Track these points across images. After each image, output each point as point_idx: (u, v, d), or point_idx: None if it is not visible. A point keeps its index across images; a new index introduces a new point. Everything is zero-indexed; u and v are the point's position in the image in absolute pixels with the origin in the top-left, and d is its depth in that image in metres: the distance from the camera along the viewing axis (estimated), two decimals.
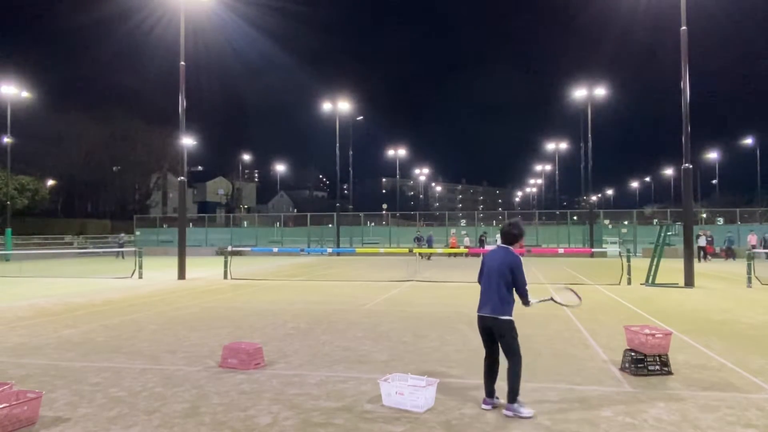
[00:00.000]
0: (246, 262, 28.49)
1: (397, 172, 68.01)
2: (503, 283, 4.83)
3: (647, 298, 13.08)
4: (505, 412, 4.75)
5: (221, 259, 20.10)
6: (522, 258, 5.05)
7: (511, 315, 4.83)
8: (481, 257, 5.21)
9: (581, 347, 7.48)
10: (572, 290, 5.52)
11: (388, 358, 6.87)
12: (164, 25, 22.80)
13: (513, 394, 4.71)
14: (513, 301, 4.89)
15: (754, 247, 31.67)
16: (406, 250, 27.82)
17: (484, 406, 4.91)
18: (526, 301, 4.95)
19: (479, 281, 5.10)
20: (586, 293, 13.86)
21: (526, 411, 4.68)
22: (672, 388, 5.52)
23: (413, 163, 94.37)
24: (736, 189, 75.17)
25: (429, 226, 48.46)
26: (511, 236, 5.03)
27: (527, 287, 4.91)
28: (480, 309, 4.96)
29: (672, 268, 19.11)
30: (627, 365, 6.09)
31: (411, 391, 4.87)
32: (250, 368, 6.26)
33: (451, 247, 32.22)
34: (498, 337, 4.87)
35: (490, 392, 4.96)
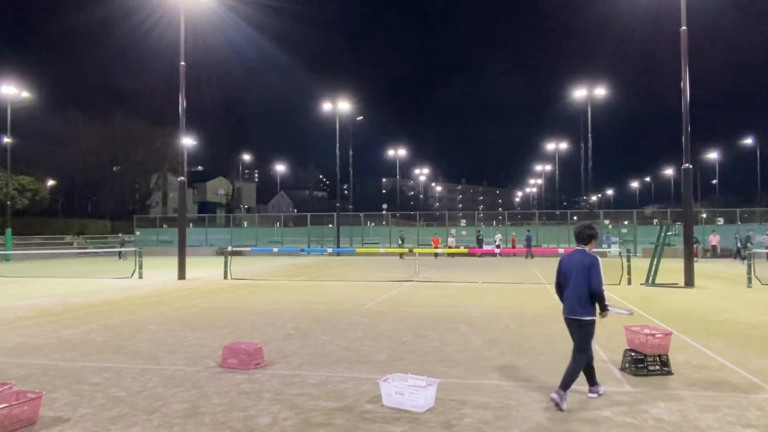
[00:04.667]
0: (246, 262, 28.49)
1: (397, 172, 68.02)
2: (582, 284, 4.96)
3: (647, 298, 13.08)
4: (553, 395, 4.91)
5: (221, 259, 20.10)
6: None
7: (593, 315, 4.99)
8: (559, 261, 5.31)
9: None
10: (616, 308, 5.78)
11: (388, 358, 6.87)
12: (164, 25, 22.80)
13: (566, 385, 4.92)
14: (593, 301, 4.99)
15: (714, 247, 31.64)
16: (406, 250, 27.85)
17: (590, 395, 5.17)
18: (603, 305, 5.05)
19: (558, 287, 5.24)
20: None
21: (565, 404, 4.87)
22: (672, 388, 5.52)
23: (413, 163, 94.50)
24: (736, 189, 75.26)
25: (429, 226, 48.48)
26: (585, 237, 5.17)
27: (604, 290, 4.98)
28: (563, 311, 5.14)
29: (672, 268, 19.10)
30: (627, 365, 6.09)
31: (411, 391, 4.87)
32: (250, 368, 6.26)
33: (434, 246, 32.01)
34: (574, 334, 5.11)
35: (594, 381, 5.22)
